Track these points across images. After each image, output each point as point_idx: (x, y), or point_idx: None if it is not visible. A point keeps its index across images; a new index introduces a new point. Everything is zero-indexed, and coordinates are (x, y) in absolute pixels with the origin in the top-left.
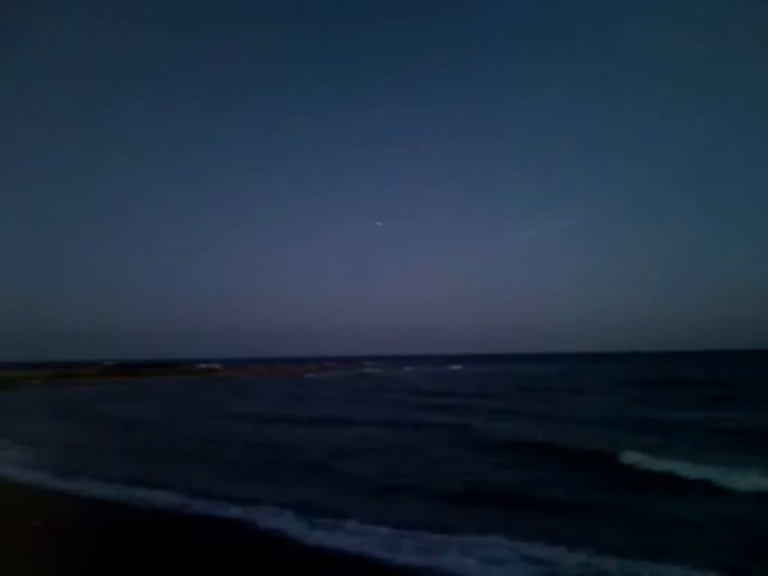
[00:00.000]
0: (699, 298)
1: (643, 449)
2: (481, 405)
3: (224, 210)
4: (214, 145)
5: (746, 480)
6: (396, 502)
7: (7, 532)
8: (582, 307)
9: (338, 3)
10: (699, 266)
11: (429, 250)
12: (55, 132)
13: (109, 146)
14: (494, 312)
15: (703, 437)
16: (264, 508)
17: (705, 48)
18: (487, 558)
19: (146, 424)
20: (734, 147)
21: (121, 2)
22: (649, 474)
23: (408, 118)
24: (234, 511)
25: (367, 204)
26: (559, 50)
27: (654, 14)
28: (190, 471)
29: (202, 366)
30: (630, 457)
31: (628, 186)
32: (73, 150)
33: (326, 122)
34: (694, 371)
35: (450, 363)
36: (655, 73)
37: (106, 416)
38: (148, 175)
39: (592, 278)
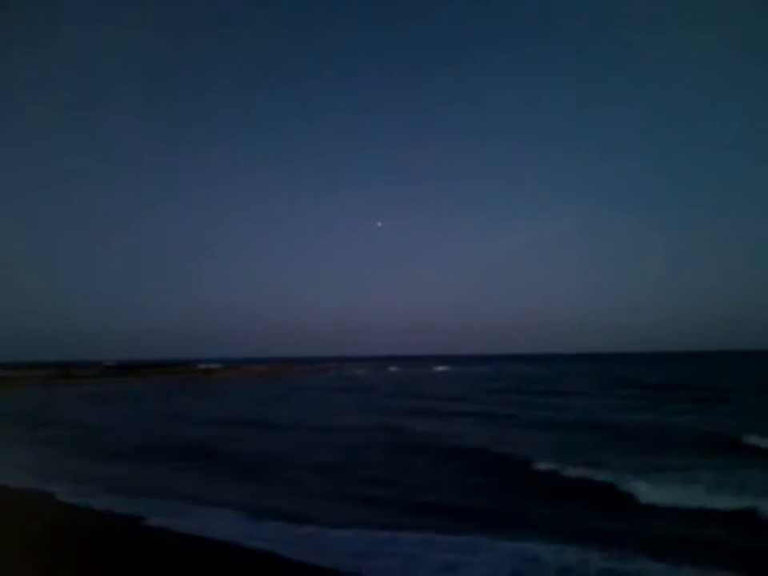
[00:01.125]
0: (697, 298)
1: (566, 455)
2: (439, 407)
3: (225, 211)
4: (211, 146)
5: (654, 488)
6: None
7: None
8: (577, 308)
9: (338, 2)
10: (697, 267)
11: (426, 250)
12: (54, 131)
13: (110, 146)
14: (490, 313)
15: (638, 442)
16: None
17: (702, 48)
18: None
19: (85, 426)
20: (734, 147)
21: (120, 2)
22: (557, 480)
23: (408, 120)
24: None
25: (367, 205)
26: (557, 50)
27: (651, 14)
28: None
29: (201, 366)
30: (545, 464)
31: (624, 187)
32: (73, 148)
33: (326, 123)
34: (683, 372)
35: (437, 364)
36: (653, 73)
37: (55, 418)
38: (148, 175)
39: (588, 279)
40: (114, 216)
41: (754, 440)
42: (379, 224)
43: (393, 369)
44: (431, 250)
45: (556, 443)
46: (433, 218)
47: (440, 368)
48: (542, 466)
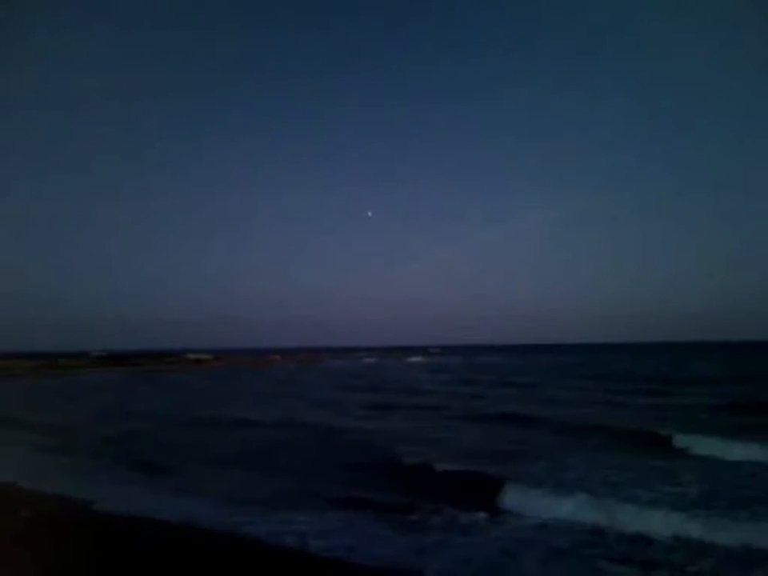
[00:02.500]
0: (690, 288)
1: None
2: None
3: (218, 202)
4: (203, 139)
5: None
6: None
7: None
8: (569, 298)
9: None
10: (692, 256)
11: (415, 241)
12: (49, 124)
13: (107, 137)
14: (480, 303)
15: (544, 438)
16: None
17: (695, 39)
18: None
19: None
20: (725, 136)
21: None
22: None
23: (401, 113)
24: None
25: (359, 195)
26: (548, 42)
27: (639, 9)
28: None
29: (191, 356)
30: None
31: (616, 178)
32: (64, 140)
33: (321, 116)
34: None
35: (412, 355)
36: (643, 65)
37: None
38: (141, 164)
39: (578, 270)
40: (104, 206)
41: (678, 440)
42: (369, 214)
43: (370, 360)
44: (419, 241)
45: (459, 436)
46: (423, 209)
47: (413, 359)
48: (413, 460)
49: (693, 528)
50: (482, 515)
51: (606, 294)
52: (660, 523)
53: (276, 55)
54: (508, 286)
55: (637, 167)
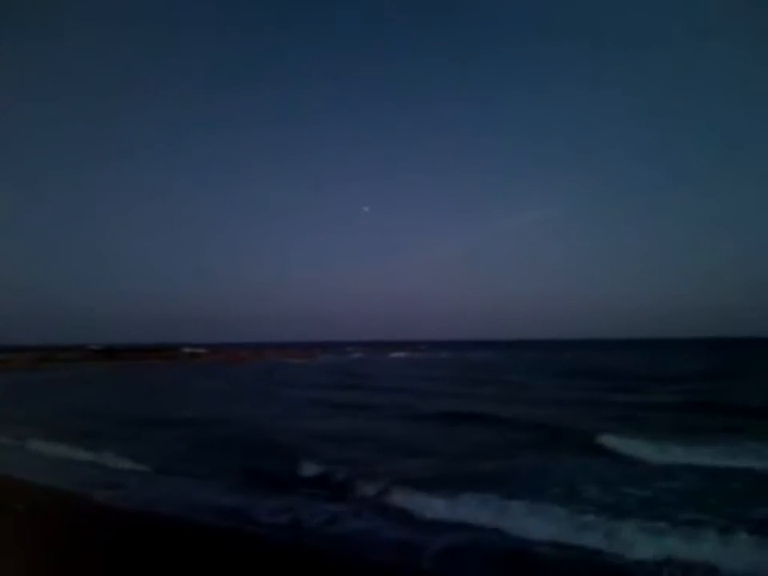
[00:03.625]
0: (688, 285)
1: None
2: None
3: (216, 199)
4: (199, 137)
5: None
6: None
7: None
8: (565, 294)
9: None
10: (688, 253)
11: (412, 237)
12: (51, 122)
13: (106, 134)
14: (473, 299)
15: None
16: None
17: (695, 39)
18: None
19: None
20: (725, 135)
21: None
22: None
23: (398, 108)
24: None
25: (355, 190)
26: (545, 41)
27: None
28: None
29: (186, 350)
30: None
31: (612, 174)
32: (63, 136)
33: (317, 111)
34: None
35: (394, 351)
36: (640, 62)
37: None
38: (142, 160)
39: (574, 266)
40: (103, 205)
41: (606, 440)
42: (366, 209)
43: (357, 355)
44: (415, 237)
45: (375, 435)
46: (419, 204)
47: (395, 354)
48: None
49: (566, 529)
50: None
51: (603, 289)
52: (537, 526)
53: (272, 50)
54: (502, 282)
55: (636, 167)
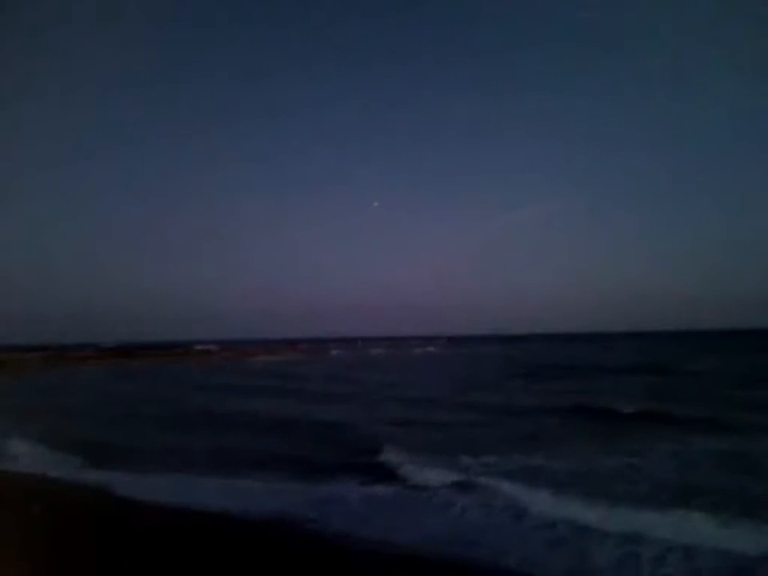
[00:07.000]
0: (688, 278)
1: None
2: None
3: (222, 196)
4: (203, 134)
5: None
6: None
7: None
8: (567, 287)
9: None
10: (688, 246)
11: (419, 231)
12: (52, 117)
13: (107, 133)
14: (478, 293)
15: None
16: None
17: (693, 34)
18: None
19: None
20: (725, 133)
21: None
22: None
23: (406, 104)
24: None
25: (364, 186)
26: (546, 40)
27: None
28: None
29: (198, 347)
30: None
31: (612, 169)
32: (69, 132)
33: (327, 106)
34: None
35: (372, 347)
36: (640, 59)
37: None
38: (149, 159)
39: (577, 260)
40: (113, 199)
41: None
42: (376, 204)
43: (335, 352)
44: (422, 232)
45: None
46: (426, 200)
47: (376, 350)
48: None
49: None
50: None
51: (614, 282)
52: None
53: (278, 44)
54: (518, 276)
55: (636, 166)
